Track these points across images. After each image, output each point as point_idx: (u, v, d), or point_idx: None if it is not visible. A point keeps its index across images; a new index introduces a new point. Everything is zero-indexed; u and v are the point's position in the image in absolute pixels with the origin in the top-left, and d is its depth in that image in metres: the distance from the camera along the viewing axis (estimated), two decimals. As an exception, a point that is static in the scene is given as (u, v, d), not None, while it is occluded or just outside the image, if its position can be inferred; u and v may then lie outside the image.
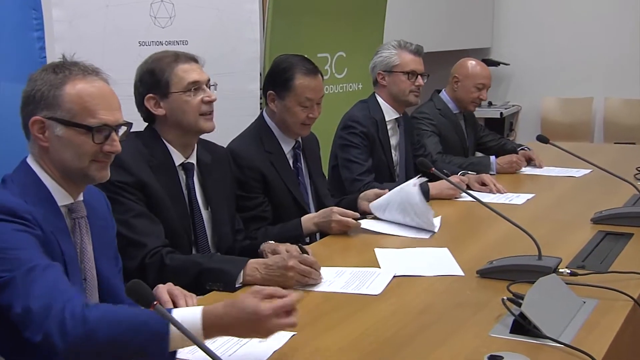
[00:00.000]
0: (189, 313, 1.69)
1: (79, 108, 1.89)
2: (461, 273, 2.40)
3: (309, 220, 2.89)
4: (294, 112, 2.92)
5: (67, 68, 1.93)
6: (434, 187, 3.38)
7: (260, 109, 3.71)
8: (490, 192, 3.46)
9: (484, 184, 3.51)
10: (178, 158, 2.53)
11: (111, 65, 3.06)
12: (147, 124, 2.57)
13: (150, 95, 2.47)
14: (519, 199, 3.43)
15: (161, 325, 1.61)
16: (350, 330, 1.98)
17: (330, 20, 4.50)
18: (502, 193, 3.46)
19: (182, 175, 2.53)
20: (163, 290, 2.04)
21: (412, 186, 2.92)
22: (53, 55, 2.66)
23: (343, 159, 3.55)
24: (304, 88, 2.91)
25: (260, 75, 3.92)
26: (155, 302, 1.40)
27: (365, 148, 3.54)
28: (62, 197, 1.94)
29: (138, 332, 1.62)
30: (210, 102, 2.49)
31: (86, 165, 1.91)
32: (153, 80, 2.46)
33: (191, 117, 2.47)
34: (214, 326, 1.66)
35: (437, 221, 2.94)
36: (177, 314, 1.66)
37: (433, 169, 2.88)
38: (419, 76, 3.64)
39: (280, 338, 1.88)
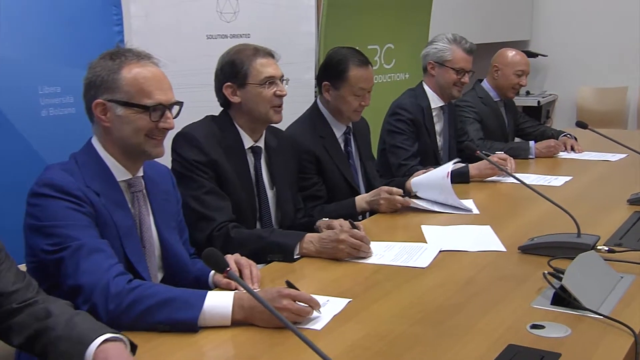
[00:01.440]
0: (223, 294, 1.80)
1: (135, 90, 1.93)
2: (503, 249, 2.38)
3: (361, 199, 2.89)
4: (348, 101, 2.92)
5: (122, 54, 1.98)
6: (474, 167, 3.35)
7: (315, 96, 3.72)
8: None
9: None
10: (248, 142, 2.55)
11: (181, 56, 3.13)
12: (222, 109, 2.60)
13: (229, 83, 2.49)
14: (557, 181, 3.37)
15: (195, 298, 1.74)
16: (400, 299, 1.99)
17: (380, 14, 4.47)
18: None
19: (250, 158, 2.56)
20: (231, 259, 2.07)
21: (443, 169, 2.91)
22: (131, 47, 2.71)
23: (390, 144, 3.53)
24: (358, 79, 2.90)
25: (315, 65, 3.93)
26: (228, 268, 1.42)
27: (411, 134, 3.52)
28: (120, 173, 2.01)
29: (169, 306, 1.73)
30: (281, 96, 2.51)
31: (143, 141, 1.96)
32: (233, 70, 2.48)
33: (263, 108, 2.48)
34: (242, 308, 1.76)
35: (468, 203, 2.90)
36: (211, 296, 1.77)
37: (478, 151, 2.86)
38: (466, 74, 3.60)
39: (337, 304, 1.90)
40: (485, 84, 4.23)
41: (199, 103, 2.62)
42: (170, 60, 2.13)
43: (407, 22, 4.73)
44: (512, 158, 3.42)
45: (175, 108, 2.00)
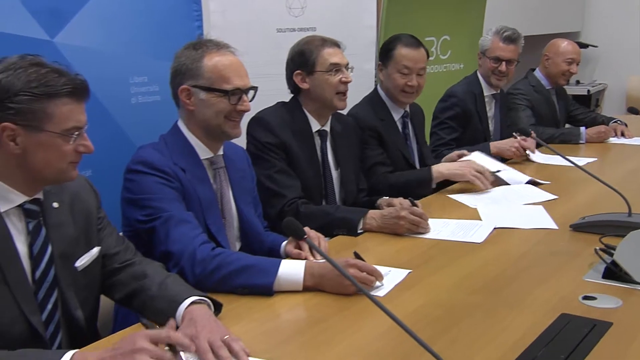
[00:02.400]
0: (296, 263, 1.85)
1: (216, 76, 1.99)
2: (555, 227, 2.34)
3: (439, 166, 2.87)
4: (393, 79, 2.90)
5: (204, 45, 2.04)
6: (494, 146, 3.32)
7: (375, 85, 3.72)
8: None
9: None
10: (315, 125, 2.58)
11: (254, 48, 3.17)
12: (291, 96, 2.63)
13: (299, 71, 2.53)
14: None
15: (270, 265, 1.79)
16: (457, 271, 2.00)
17: (437, 8, 4.42)
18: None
19: (317, 140, 2.59)
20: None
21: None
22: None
23: (432, 130, 3.52)
24: (402, 57, 2.87)
25: (375, 56, 3.92)
26: (305, 236, 1.46)
27: (452, 123, 3.46)
28: (203, 152, 2.07)
29: (247, 272, 1.79)
30: (346, 83, 2.53)
31: (222, 122, 2.02)
32: (302, 59, 2.52)
33: (329, 94, 2.51)
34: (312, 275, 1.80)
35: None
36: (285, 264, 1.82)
37: (533, 133, 2.82)
38: (503, 62, 3.51)
39: (398, 275, 1.92)
40: (537, 73, 4.15)
41: (269, 91, 2.64)
42: (243, 52, 2.16)
43: (463, 15, 4.66)
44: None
45: (251, 92, 2.06)
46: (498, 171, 2.93)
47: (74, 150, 1.54)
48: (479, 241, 2.22)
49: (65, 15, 2.36)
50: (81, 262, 1.65)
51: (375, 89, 3.06)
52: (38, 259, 1.56)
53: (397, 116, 3.01)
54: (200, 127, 2.05)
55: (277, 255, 2.12)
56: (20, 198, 1.55)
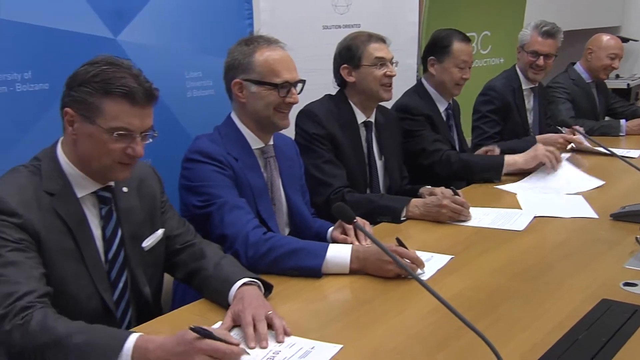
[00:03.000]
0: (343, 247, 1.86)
1: (266, 70, 2.01)
2: (595, 215, 2.30)
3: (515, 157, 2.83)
4: (451, 73, 2.89)
5: (255, 40, 2.07)
6: (540, 139, 3.22)
7: (417, 79, 3.69)
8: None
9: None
10: (360, 117, 2.58)
11: (301, 44, 3.17)
12: (338, 89, 2.64)
13: (345, 65, 2.53)
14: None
15: (319, 249, 1.82)
16: (498, 257, 1.98)
17: (478, 4, 4.34)
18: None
19: (362, 131, 2.59)
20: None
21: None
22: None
23: (473, 124, 3.47)
24: (460, 52, 2.88)
25: (417, 52, 3.90)
26: (355, 220, 1.47)
27: (494, 117, 3.39)
28: (255, 142, 2.10)
29: (297, 255, 1.81)
30: (391, 76, 2.52)
31: (272, 114, 2.04)
32: (349, 53, 2.52)
33: (374, 86, 2.51)
34: (358, 259, 1.81)
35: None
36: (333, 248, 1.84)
37: (573, 126, 2.76)
38: (541, 57, 3.43)
39: (440, 260, 1.92)
40: (578, 67, 4.05)
41: (316, 85, 2.65)
42: (291, 48, 2.18)
43: (503, 11, 4.58)
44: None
45: (299, 85, 2.07)
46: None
47: (122, 150, 1.54)
48: (520, 229, 2.19)
49: (128, 14, 2.41)
50: (147, 242, 1.70)
51: (420, 82, 3.03)
52: (110, 241, 1.62)
53: (442, 108, 2.99)
54: (252, 119, 2.08)
55: (324, 240, 2.14)
56: (94, 185, 1.60)
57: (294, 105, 2.11)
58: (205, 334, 1.27)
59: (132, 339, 1.30)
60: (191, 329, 1.29)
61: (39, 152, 1.62)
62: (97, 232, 1.60)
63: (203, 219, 1.94)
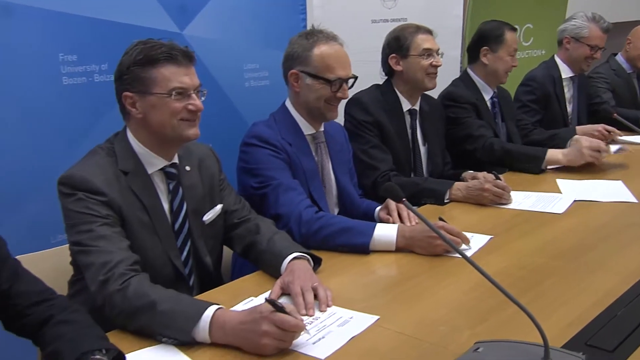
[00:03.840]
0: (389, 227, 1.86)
1: (322, 65, 2.02)
2: (635, 200, 2.22)
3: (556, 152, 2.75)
4: (505, 61, 2.85)
5: (315, 35, 2.06)
6: (580, 130, 3.12)
7: (460, 71, 3.64)
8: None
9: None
10: (406, 105, 2.56)
11: (350, 37, 3.14)
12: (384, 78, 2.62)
13: (394, 55, 2.51)
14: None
15: (367, 228, 1.82)
16: (538, 238, 1.94)
17: (521, -2, 4.23)
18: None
19: (407, 119, 2.57)
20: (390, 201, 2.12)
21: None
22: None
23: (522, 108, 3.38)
24: (512, 41, 2.85)
25: (461, 44, 3.83)
26: (404, 198, 1.47)
27: (534, 106, 3.31)
28: (307, 128, 2.11)
29: (347, 233, 1.82)
30: (436, 66, 2.50)
31: (322, 106, 2.05)
32: (398, 44, 2.50)
33: (420, 75, 2.49)
34: (404, 237, 1.81)
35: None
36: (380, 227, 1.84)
37: (615, 114, 2.66)
38: (599, 50, 3.34)
39: (481, 240, 1.90)
40: (619, 57, 3.90)
41: (363, 76, 2.63)
42: (342, 42, 2.18)
43: (546, 4, 4.44)
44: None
45: (351, 81, 2.07)
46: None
47: (184, 108, 1.58)
48: (560, 212, 2.15)
49: (193, 10, 2.46)
50: (208, 216, 1.74)
51: (466, 72, 2.99)
52: (177, 214, 1.66)
53: (487, 97, 2.94)
54: (304, 108, 2.09)
55: (371, 218, 2.14)
56: (162, 162, 1.65)
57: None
58: (277, 307, 1.30)
59: (212, 309, 1.33)
60: (267, 300, 1.32)
61: (111, 135, 1.68)
62: (166, 205, 1.65)
63: (259, 199, 1.97)
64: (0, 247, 1.35)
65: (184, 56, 1.59)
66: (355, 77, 2.08)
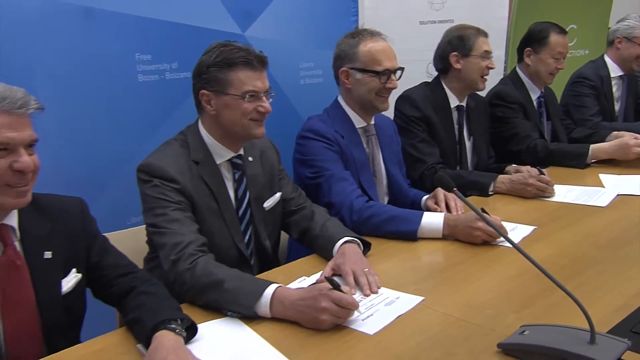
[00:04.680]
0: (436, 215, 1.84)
1: (369, 60, 2.01)
2: (679, 195, 2.12)
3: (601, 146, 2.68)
4: (547, 63, 2.76)
5: (359, 33, 2.07)
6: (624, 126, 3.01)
7: (504, 70, 3.55)
8: None
9: None
10: (454, 102, 2.52)
11: (400, 38, 3.12)
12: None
13: (456, 53, 2.46)
14: None
15: (415, 216, 1.81)
16: (582, 229, 1.88)
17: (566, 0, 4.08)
18: None
19: (455, 115, 2.53)
20: (440, 190, 2.10)
21: None
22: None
23: (574, 105, 3.25)
24: (557, 44, 2.75)
25: (505, 44, 3.73)
26: (454, 188, 1.46)
27: (593, 96, 3.22)
28: (358, 122, 2.11)
29: (396, 221, 1.81)
30: (490, 69, 2.47)
31: (373, 98, 2.04)
32: (461, 43, 2.46)
33: (476, 76, 2.46)
34: (449, 225, 1.79)
35: None
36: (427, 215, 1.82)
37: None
38: None
39: (524, 230, 1.85)
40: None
41: (412, 74, 2.61)
42: (391, 41, 2.16)
43: (590, 6, 4.27)
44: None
45: (398, 72, 2.06)
46: None
47: (254, 109, 1.61)
48: (603, 205, 2.07)
49: (254, 13, 2.50)
50: (268, 203, 1.77)
51: (514, 71, 2.91)
52: (241, 201, 1.70)
53: (534, 96, 2.86)
54: (356, 102, 2.09)
55: (418, 207, 2.13)
56: (229, 154, 1.69)
57: (394, 91, 2.10)
58: (335, 285, 1.31)
59: (272, 287, 1.35)
60: (326, 278, 1.34)
61: (184, 128, 1.72)
62: (231, 193, 1.68)
63: (314, 188, 1.99)
64: (92, 225, 1.42)
65: (259, 61, 1.62)
66: (402, 69, 2.06)
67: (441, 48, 2.51)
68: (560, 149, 2.69)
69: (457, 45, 2.46)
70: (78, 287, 1.35)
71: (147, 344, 1.20)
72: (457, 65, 2.47)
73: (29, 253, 1.28)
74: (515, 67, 2.92)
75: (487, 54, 2.44)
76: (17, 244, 1.28)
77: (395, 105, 2.47)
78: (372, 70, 2.01)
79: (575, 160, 2.61)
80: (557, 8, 4.04)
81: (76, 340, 1.36)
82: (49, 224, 1.33)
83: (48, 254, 1.30)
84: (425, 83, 2.57)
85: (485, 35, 2.48)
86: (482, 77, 2.45)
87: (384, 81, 2.02)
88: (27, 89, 1.25)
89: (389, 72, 2.02)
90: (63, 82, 1.99)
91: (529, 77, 2.84)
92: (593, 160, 2.63)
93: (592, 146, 2.63)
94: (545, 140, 2.76)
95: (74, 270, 1.35)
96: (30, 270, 1.27)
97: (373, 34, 2.06)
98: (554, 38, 2.75)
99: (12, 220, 1.28)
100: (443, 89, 2.51)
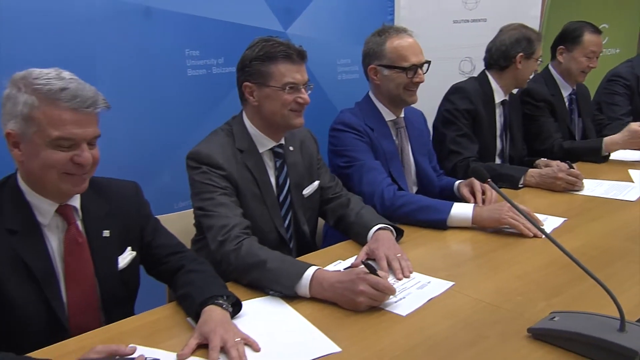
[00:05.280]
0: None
1: (396, 57, 1.99)
2: None
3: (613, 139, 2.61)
4: (579, 61, 2.69)
5: (385, 31, 2.05)
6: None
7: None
8: None
9: None
10: (499, 97, 2.48)
11: (434, 37, 3.09)
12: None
13: (522, 53, 2.42)
14: None
15: (444, 206, 1.79)
16: (611, 222, 1.83)
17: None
18: None
19: (499, 109, 2.49)
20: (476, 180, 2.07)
21: None
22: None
23: (607, 102, 3.16)
24: (590, 43, 2.68)
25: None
26: (488, 179, 1.44)
27: (625, 95, 3.12)
28: (388, 115, 2.10)
29: (426, 210, 1.80)
30: (535, 72, 2.47)
31: (402, 92, 2.02)
32: (528, 45, 2.42)
33: (527, 77, 2.46)
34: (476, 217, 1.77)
35: None
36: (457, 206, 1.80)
37: None
38: None
39: (554, 222, 1.82)
40: None
41: (445, 71, 2.60)
42: (425, 40, 2.13)
43: (621, 5, 4.13)
44: None
45: (425, 66, 2.03)
46: None
47: (293, 100, 1.62)
48: (633, 199, 2.02)
49: (296, 11, 2.50)
50: (307, 190, 1.78)
51: (547, 69, 2.85)
52: (282, 187, 1.72)
53: (565, 93, 2.80)
54: (385, 97, 2.08)
55: (450, 192, 2.12)
56: (271, 143, 1.71)
57: (430, 84, 2.08)
58: (371, 269, 1.32)
59: (312, 269, 1.37)
60: (363, 262, 1.35)
61: (230, 118, 1.75)
62: (273, 180, 1.70)
63: (346, 177, 1.98)
64: (146, 207, 1.46)
65: (298, 55, 1.63)
66: (429, 62, 2.03)
67: (506, 46, 2.45)
68: (573, 147, 2.62)
69: (525, 47, 2.43)
70: (133, 264, 1.40)
71: (196, 317, 1.23)
72: (519, 66, 2.44)
73: (90, 231, 1.33)
74: (547, 64, 2.85)
75: (539, 58, 2.45)
76: (79, 223, 1.33)
77: (446, 95, 2.45)
78: (399, 67, 2.00)
79: (590, 155, 2.55)
80: (588, 7, 3.93)
81: (131, 313, 1.41)
82: (107, 205, 1.37)
83: (106, 233, 1.35)
84: (474, 78, 2.54)
85: (540, 40, 2.47)
86: (529, 77, 2.46)
87: (411, 76, 2.00)
88: (90, 82, 1.28)
89: (416, 67, 2.00)
90: (122, 76, 2.04)
91: (561, 75, 2.78)
92: (606, 154, 2.56)
93: (604, 139, 2.56)
94: (562, 141, 2.67)
95: (129, 248, 1.39)
96: (90, 247, 1.32)
97: (398, 31, 2.04)
98: (588, 37, 2.68)
99: (75, 201, 1.33)
100: (489, 83, 2.48)
